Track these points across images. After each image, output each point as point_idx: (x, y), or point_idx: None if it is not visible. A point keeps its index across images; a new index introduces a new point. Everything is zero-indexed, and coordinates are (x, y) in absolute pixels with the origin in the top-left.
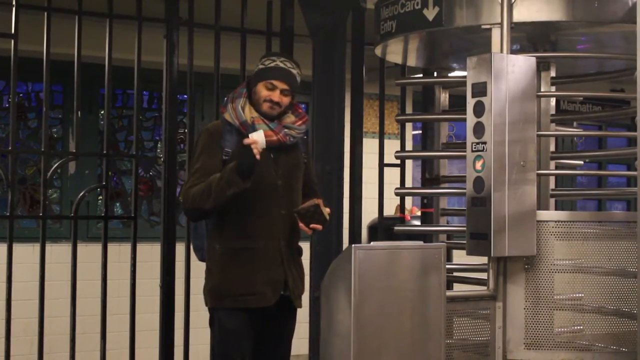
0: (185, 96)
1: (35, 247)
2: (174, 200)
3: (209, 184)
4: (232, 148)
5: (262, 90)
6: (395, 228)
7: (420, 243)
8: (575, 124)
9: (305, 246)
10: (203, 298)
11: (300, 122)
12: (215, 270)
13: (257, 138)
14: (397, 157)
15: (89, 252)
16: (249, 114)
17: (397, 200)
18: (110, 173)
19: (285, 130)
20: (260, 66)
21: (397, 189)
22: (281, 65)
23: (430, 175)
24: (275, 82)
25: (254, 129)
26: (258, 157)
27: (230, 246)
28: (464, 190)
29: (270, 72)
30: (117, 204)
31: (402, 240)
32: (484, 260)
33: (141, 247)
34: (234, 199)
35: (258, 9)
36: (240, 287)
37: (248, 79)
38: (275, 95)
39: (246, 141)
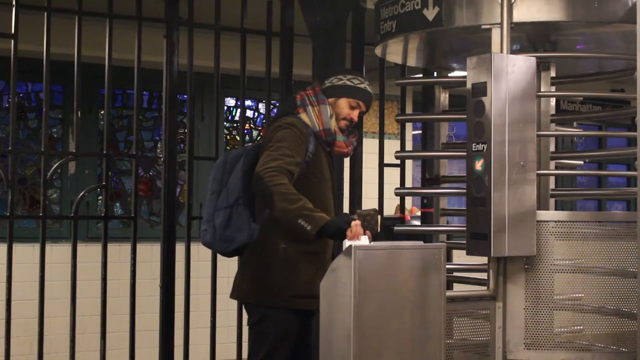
0: (185, 96)
1: (35, 247)
2: (174, 200)
3: (299, 203)
4: (313, 151)
5: (345, 107)
6: (395, 228)
7: (420, 243)
8: (575, 124)
9: None
10: (236, 291)
11: (355, 138)
12: (278, 268)
13: (362, 242)
14: (397, 157)
15: (89, 252)
16: (334, 124)
17: (397, 200)
18: (110, 173)
19: (353, 144)
20: (347, 82)
21: (397, 189)
22: (368, 88)
23: (430, 175)
24: (361, 103)
25: (334, 138)
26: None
27: (299, 247)
28: (464, 190)
29: (359, 92)
30: (117, 204)
31: (402, 240)
32: (484, 260)
33: (141, 247)
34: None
35: (258, 9)
36: (304, 289)
37: (327, 88)
38: (355, 115)
39: (351, 239)
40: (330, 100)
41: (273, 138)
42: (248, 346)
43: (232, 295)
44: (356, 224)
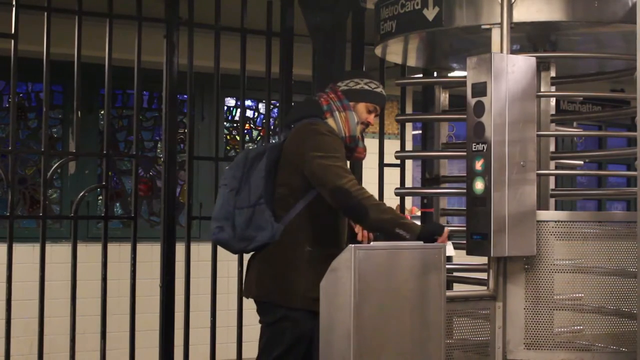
0: (185, 96)
1: (35, 247)
2: (174, 200)
3: (391, 214)
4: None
5: (363, 111)
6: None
7: (420, 243)
8: (575, 124)
9: None
10: (253, 290)
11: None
12: (303, 271)
13: (448, 249)
14: (397, 157)
15: (89, 252)
16: (359, 130)
17: (397, 200)
18: (110, 173)
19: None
20: (365, 87)
21: (397, 188)
22: (383, 92)
23: (430, 175)
24: (378, 107)
25: (357, 144)
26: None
27: (324, 251)
28: (464, 190)
29: (377, 97)
30: (117, 204)
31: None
32: (484, 260)
33: (141, 247)
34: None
35: (258, 9)
36: None
37: (344, 92)
38: (372, 119)
39: (443, 241)
40: (353, 106)
41: (318, 145)
42: (261, 343)
43: (249, 295)
44: (447, 231)
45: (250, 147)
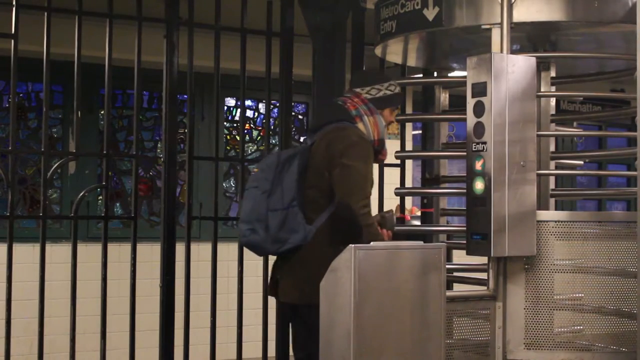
0: (185, 96)
1: (35, 247)
2: (174, 200)
3: (378, 237)
4: None
5: (388, 115)
6: (396, 228)
7: (420, 243)
8: (575, 124)
9: None
10: (294, 293)
11: None
12: None
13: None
14: (397, 157)
15: (89, 252)
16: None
17: (397, 200)
18: (110, 173)
19: None
20: (387, 92)
21: (397, 188)
22: (400, 89)
23: (430, 175)
24: (398, 107)
25: (383, 147)
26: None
27: None
28: (464, 190)
29: (399, 98)
30: (117, 204)
31: (402, 240)
32: (484, 260)
33: (141, 247)
34: None
35: (258, 9)
36: None
37: (370, 102)
38: (393, 117)
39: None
40: (380, 112)
41: (349, 152)
42: (298, 340)
43: (286, 299)
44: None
45: (280, 150)
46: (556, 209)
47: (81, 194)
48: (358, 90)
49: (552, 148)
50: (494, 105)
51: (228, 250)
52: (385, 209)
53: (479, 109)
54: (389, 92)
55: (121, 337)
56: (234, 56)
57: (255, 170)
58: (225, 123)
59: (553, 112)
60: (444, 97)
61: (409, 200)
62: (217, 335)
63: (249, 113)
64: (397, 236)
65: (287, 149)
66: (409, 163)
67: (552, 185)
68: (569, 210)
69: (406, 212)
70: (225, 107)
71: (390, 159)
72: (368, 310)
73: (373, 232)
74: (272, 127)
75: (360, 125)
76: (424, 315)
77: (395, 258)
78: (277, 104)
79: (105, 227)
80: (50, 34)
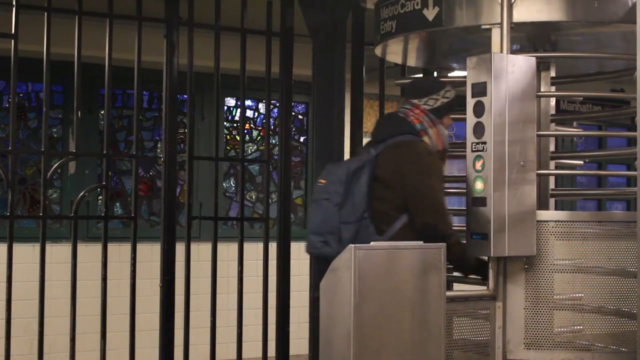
0: (185, 96)
1: (35, 247)
2: (174, 200)
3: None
4: None
5: (448, 120)
6: None
7: (420, 243)
8: (575, 124)
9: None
10: None
11: None
12: None
13: None
14: None
15: (89, 252)
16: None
17: None
18: (110, 173)
19: None
20: (444, 100)
21: None
22: (454, 93)
23: None
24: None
25: (446, 155)
26: None
27: None
28: (464, 190)
29: (454, 102)
30: (117, 204)
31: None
32: None
33: (141, 247)
34: None
35: (258, 9)
36: None
37: (434, 111)
38: (451, 120)
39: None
40: (441, 119)
41: (421, 169)
42: None
43: None
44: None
45: (346, 160)
46: (556, 209)
47: (81, 194)
48: (415, 101)
49: (552, 148)
50: (493, 105)
51: (228, 250)
52: None
53: (479, 109)
54: (446, 100)
55: (121, 337)
56: (234, 56)
57: (322, 181)
58: (225, 123)
59: (553, 112)
60: None
61: None
62: (217, 335)
63: (249, 113)
64: None
65: (352, 158)
66: None
67: (552, 185)
68: (569, 210)
69: None
70: (225, 107)
71: None
72: (368, 310)
73: (460, 249)
74: (272, 127)
75: (425, 139)
76: (424, 315)
77: (395, 258)
78: (277, 104)
79: (105, 227)
80: (50, 34)
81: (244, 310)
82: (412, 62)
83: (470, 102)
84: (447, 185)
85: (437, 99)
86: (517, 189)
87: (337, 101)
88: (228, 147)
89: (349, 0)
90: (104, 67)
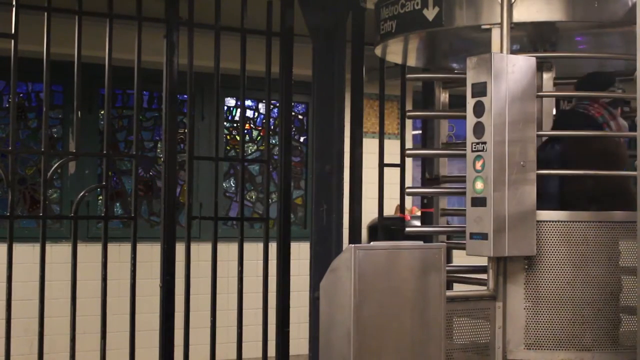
0: (185, 96)
1: (35, 247)
2: (174, 200)
3: None
4: None
5: (620, 112)
6: (407, 230)
7: (420, 243)
8: None
9: (305, 246)
10: None
11: None
12: None
13: None
14: (407, 156)
15: (89, 252)
16: None
17: (397, 200)
18: (110, 173)
19: None
20: (618, 91)
21: (408, 187)
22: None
23: (430, 175)
24: None
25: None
26: None
27: None
28: (464, 190)
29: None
30: (117, 204)
31: (402, 240)
32: (483, 260)
33: (141, 247)
34: None
35: (258, 9)
36: None
37: (611, 104)
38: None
39: None
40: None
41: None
42: None
43: None
44: None
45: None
46: None
47: (81, 194)
48: (593, 94)
49: None
50: (494, 105)
51: (228, 250)
52: (386, 208)
53: (479, 109)
54: (619, 92)
55: (121, 337)
56: (234, 56)
57: None
58: (225, 123)
59: (553, 112)
60: (444, 97)
61: (409, 200)
62: (217, 335)
63: (249, 113)
64: (397, 236)
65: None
66: (408, 162)
67: None
68: None
69: (406, 212)
70: (225, 107)
71: (390, 158)
72: (368, 310)
73: None
74: (272, 127)
75: (608, 132)
76: (424, 315)
77: (395, 258)
78: (277, 104)
79: (105, 227)
80: (50, 34)
81: (244, 310)
82: (412, 62)
83: (470, 102)
84: (447, 185)
85: (613, 92)
86: (517, 189)
87: (337, 101)
88: (228, 147)
89: (349, 0)
90: (104, 67)
